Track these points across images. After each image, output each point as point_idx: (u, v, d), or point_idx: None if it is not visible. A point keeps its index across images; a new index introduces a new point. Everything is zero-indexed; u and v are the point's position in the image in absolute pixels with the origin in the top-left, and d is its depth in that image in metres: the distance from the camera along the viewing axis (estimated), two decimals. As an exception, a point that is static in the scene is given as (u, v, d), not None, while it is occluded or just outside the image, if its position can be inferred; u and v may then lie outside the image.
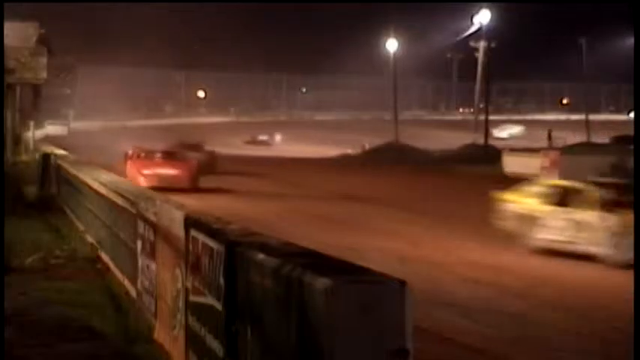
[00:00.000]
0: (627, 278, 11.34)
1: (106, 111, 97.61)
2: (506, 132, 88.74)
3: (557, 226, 15.76)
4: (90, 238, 14.52)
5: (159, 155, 30.96)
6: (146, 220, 9.09)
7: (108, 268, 12.17)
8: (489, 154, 50.59)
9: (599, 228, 14.90)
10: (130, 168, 29.08)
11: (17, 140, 30.37)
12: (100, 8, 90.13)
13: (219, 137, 63.03)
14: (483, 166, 44.58)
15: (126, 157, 31.91)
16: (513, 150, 45.30)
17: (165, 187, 23.15)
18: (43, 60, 23.95)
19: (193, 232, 6.74)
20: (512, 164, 41.29)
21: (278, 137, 78.18)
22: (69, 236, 15.34)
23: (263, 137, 76.67)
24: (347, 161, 56.04)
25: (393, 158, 55.67)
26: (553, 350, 9.14)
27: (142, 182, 25.18)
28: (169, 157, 31.11)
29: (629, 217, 14.52)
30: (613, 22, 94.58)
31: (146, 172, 28.31)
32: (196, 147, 40.42)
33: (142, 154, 31.67)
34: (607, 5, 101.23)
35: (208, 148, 42.69)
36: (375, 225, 20.00)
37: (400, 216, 22.32)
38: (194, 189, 27.68)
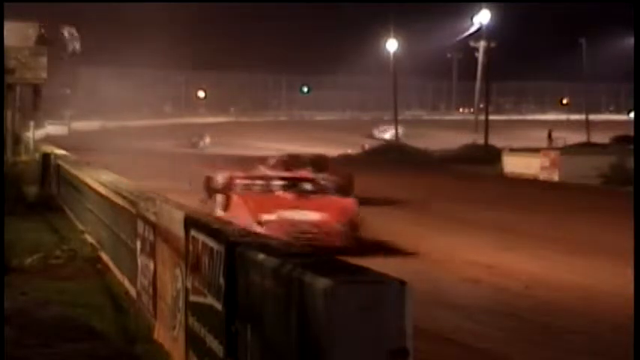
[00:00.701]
0: (627, 280, 11.33)
1: (106, 111, 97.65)
2: (388, 133, 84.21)
3: None
4: (90, 238, 14.53)
5: (280, 184, 18.14)
6: (146, 220, 9.09)
7: (108, 268, 12.18)
8: (489, 154, 50.63)
9: None
10: (235, 208, 16.46)
11: (17, 140, 30.35)
12: (100, 8, 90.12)
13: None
14: (483, 166, 44.62)
15: (208, 184, 18.89)
16: (513, 150, 45.32)
17: (304, 242, 13.57)
18: (43, 60, 23.98)
19: (193, 232, 6.74)
20: (512, 164, 41.36)
21: (207, 140, 78.42)
22: (69, 236, 15.34)
23: (194, 139, 76.85)
24: (347, 161, 56.07)
25: (393, 158, 55.73)
26: (553, 350, 9.14)
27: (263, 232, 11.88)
28: (301, 187, 18.03)
29: None
30: (613, 22, 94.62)
31: (267, 217, 15.84)
32: (319, 163, 25.22)
33: (248, 182, 18.37)
34: (607, 5, 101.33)
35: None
36: (374, 224, 19.97)
37: (400, 216, 22.30)
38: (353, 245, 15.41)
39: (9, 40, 22.24)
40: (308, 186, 18.30)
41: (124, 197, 10.89)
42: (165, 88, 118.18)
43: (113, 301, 10.08)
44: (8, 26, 22.01)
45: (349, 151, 64.54)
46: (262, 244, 5.26)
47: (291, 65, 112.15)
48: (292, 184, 18.11)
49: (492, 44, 68.53)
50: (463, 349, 8.95)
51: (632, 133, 47.69)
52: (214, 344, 5.92)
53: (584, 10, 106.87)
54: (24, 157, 33.30)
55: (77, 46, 23.93)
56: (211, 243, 6.08)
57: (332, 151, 64.20)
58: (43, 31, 23.90)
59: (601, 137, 66.77)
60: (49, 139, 50.99)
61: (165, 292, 7.93)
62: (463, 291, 12.17)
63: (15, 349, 7.67)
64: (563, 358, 9.02)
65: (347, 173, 24.10)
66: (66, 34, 23.72)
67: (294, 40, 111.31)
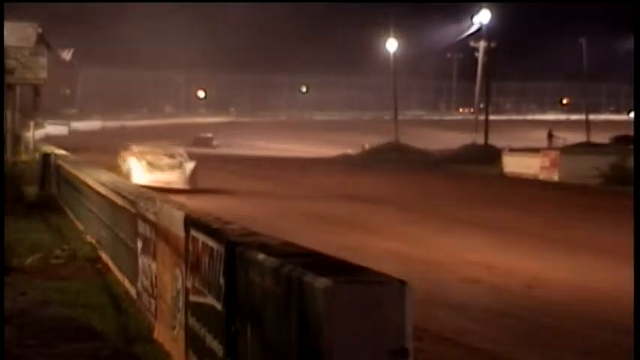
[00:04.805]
0: (627, 280, 11.33)
1: (106, 111, 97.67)
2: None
3: None
4: (90, 238, 14.53)
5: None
6: (146, 220, 9.09)
7: (108, 268, 12.18)
8: (489, 154, 50.60)
9: None
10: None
11: (17, 140, 30.34)
12: (101, 8, 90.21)
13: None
14: (483, 166, 44.60)
15: None
16: (513, 150, 45.30)
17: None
18: (43, 60, 23.99)
19: (193, 232, 6.74)
20: (512, 164, 41.33)
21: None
22: (69, 236, 15.34)
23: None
24: (347, 161, 56.06)
25: (393, 158, 55.72)
26: (553, 350, 9.13)
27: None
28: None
29: None
30: (613, 22, 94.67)
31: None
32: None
33: None
34: (607, 5, 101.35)
35: None
36: (375, 225, 19.98)
37: (400, 216, 22.31)
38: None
39: (9, 40, 22.26)
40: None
41: (124, 197, 10.89)
42: (165, 88, 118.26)
43: (113, 301, 10.07)
44: (8, 26, 22.02)
45: (349, 151, 64.50)
46: (262, 244, 5.26)
47: (291, 65, 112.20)
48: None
49: (492, 44, 68.46)
50: (463, 349, 8.94)
51: (632, 132, 47.68)
52: (214, 344, 5.92)
53: (584, 10, 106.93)
54: (24, 157, 33.30)
55: (68, 56, 24.11)
56: (211, 243, 6.08)
57: (332, 150, 64.25)
58: (41, 30, 23.91)
59: (601, 137, 66.81)
60: (49, 139, 51.00)
61: (166, 292, 7.93)
62: (463, 291, 12.16)
63: (15, 349, 7.67)
64: (563, 358, 9.02)
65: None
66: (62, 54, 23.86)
67: (295, 41, 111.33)
